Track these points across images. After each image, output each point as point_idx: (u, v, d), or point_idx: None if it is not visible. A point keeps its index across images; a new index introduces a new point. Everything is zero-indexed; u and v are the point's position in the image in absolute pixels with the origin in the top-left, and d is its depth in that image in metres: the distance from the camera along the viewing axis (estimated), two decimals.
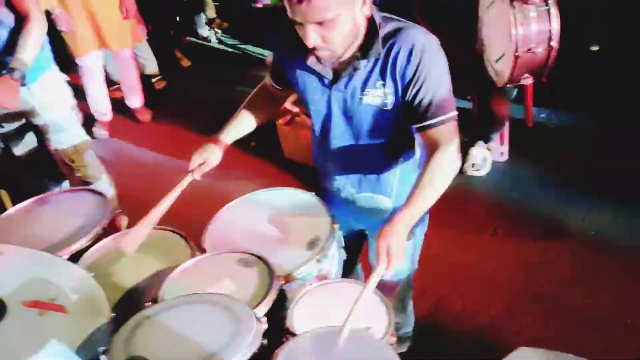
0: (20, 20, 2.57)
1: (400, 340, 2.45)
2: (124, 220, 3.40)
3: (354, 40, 1.67)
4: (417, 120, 1.72)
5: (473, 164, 3.67)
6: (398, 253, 1.55)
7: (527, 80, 3.20)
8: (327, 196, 2.14)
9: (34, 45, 2.56)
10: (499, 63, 3.16)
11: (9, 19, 2.59)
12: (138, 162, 4.21)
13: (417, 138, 1.93)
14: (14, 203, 2.87)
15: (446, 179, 1.68)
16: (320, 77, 1.80)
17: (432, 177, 1.66)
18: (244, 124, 2.06)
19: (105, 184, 3.27)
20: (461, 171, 3.58)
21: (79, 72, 4.31)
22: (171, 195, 1.93)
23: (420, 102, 1.69)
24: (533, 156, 3.78)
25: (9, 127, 2.99)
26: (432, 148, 1.71)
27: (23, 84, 2.54)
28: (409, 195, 1.66)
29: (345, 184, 2.05)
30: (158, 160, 4.16)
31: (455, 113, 1.72)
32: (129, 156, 4.31)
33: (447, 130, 1.70)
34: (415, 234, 2.12)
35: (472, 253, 3.10)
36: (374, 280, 1.54)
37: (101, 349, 1.31)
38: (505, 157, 3.82)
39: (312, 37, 1.58)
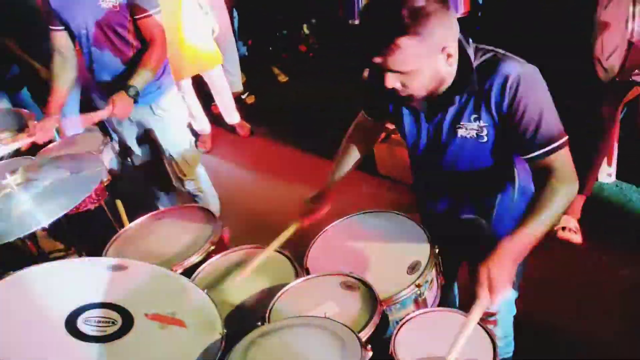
0: (145, 43, 2.80)
1: None
2: (226, 233, 3.57)
3: (440, 85, 1.66)
4: (524, 152, 1.68)
5: None
6: (503, 284, 1.48)
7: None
8: (426, 219, 2.15)
9: (153, 67, 2.78)
10: (611, 58, 2.98)
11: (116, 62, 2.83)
12: (239, 176, 4.39)
13: (518, 166, 1.89)
14: (127, 213, 3.13)
15: (560, 207, 1.59)
16: (414, 110, 1.81)
17: (545, 205, 1.57)
18: (347, 162, 2.11)
19: (212, 197, 3.45)
20: None
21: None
22: (276, 243, 2.01)
23: (523, 134, 1.63)
24: None
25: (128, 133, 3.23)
26: (544, 175, 1.64)
27: (136, 101, 2.76)
28: (520, 223, 1.59)
29: (445, 208, 2.05)
30: (258, 175, 4.32)
31: (565, 139, 1.65)
32: (231, 170, 4.50)
33: (559, 158, 1.64)
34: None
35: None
36: (477, 312, 1.51)
37: None
38: (613, 178, 3.63)
39: (390, 82, 1.57)
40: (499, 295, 1.49)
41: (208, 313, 1.66)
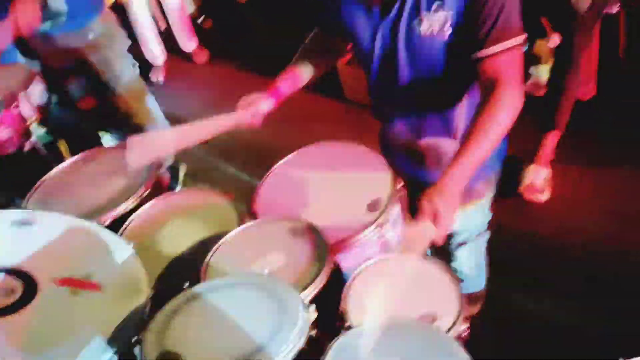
0: None
1: (470, 299, 2.23)
2: (182, 169, 3.31)
3: None
4: (475, 48, 1.46)
5: None
6: (447, 215, 1.30)
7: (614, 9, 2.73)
8: (387, 145, 1.93)
9: None
10: None
11: None
12: (197, 108, 4.06)
13: None
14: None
15: (505, 125, 1.42)
16: (367, 8, 1.58)
17: (489, 124, 1.40)
18: (300, 69, 1.83)
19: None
20: None
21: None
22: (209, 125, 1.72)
23: (483, 23, 1.42)
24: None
25: None
26: (490, 85, 1.44)
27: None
28: (460, 147, 1.41)
29: (404, 129, 1.82)
30: (218, 107, 3.98)
31: (523, 39, 1.45)
32: (187, 102, 4.17)
33: (510, 60, 1.43)
34: (483, 197, 1.89)
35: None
36: (420, 246, 1.33)
37: (134, 339, 1.17)
38: None
39: None
40: (445, 228, 1.32)
41: (132, 272, 1.43)
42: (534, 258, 2.50)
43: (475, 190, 1.83)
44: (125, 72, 2.90)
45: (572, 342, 2.15)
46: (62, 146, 3.09)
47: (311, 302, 1.34)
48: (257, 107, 1.73)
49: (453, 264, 2.08)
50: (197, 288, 1.31)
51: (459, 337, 1.31)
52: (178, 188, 3.15)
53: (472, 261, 2.10)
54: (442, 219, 1.30)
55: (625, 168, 2.82)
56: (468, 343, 1.34)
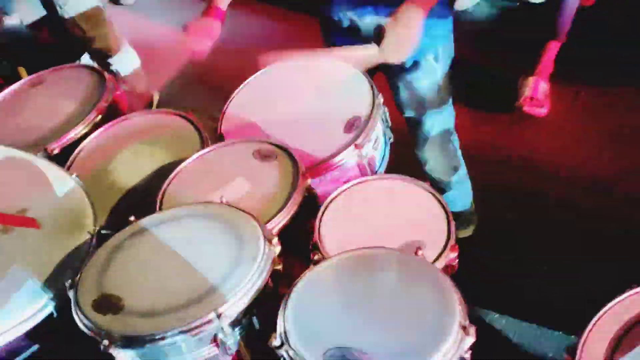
0: None
1: (459, 221, 2.04)
2: (155, 95, 3.08)
3: None
4: None
5: None
6: (408, 38, 1.40)
7: None
8: (330, 31, 1.75)
9: None
10: None
11: None
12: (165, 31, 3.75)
13: None
14: None
15: None
16: None
17: None
18: None
19: (127, 57, 2.90)
20: None
21: None
22: None
23: None
24: None
25: None
26: None
27: None
28: None
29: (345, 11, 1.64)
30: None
31: None
32: (155, 21, 3.84)
33: None
34: (438, 54, 1.72)
35: None
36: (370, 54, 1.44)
37: (68, 282, 1.00)
38: None
39: None
40: (406, 51, 1.43)
41: (75, 207, 1.25)
42: (527, 179, 2.33)
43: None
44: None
45: (566, 268, 2.02)
46: (22, 73, 2.86)
47: (281, 233, 1.19)
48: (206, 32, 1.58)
49: (426, 169, 1.91)
50: (144, 221, 1.14)
51: (447, 267, 1.15)
52: None
53: (442, 161, 1.91)
54: (404, 42, 1.40)
55: (626, 84, 2.60)
56: (457, 273, 1.19)
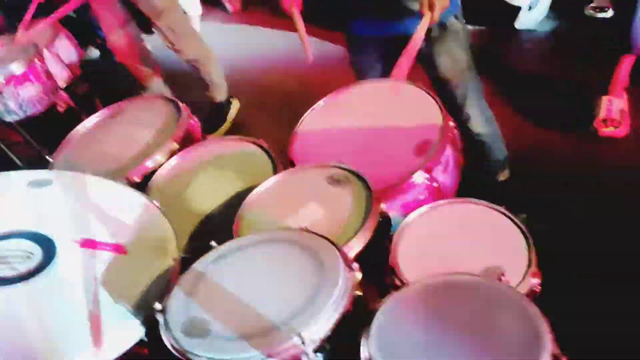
0: None
1: (502, 167, 2.18)
2: (234, 105, 3.12)
3: None
4: None
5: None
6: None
7: None
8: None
9: None
10: None
11: None
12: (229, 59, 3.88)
13: None
14: None
15: None
16: None
17: None
18: None
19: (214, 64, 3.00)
20: None
21: None
22: None
23: None
24: None
25: None
26: None
27: None
28: None
29: None
30: (250, 58, 3.77)
31: None
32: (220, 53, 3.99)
33: None
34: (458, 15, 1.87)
35: None
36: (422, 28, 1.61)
37: (158, 306, 1.05)
38: None
39: None
40: (439, 9, 1.60)
41: (158, 232, 1.31)
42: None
43: None
44: None
45: None
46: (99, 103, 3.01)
47: (356, 258, 1.20)
48: None
49: (471, 128, 2.00)
50: (225, 246, 1.17)
51: (529, 293, 1.12)
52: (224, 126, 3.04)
53: (481, 116, 2.01)
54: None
55: None
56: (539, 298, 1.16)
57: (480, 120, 2.01)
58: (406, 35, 1.70)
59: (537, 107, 2.60)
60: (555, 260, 1.50)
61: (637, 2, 2.33)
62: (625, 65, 2.43)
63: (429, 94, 1.65)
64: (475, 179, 1.88)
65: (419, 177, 1.47)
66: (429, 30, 1.70)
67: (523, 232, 1.24)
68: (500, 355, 0.87)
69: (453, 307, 0.96)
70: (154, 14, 2.72)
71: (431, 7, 1.61)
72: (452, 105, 1.89)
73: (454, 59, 1.88)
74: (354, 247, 1.22)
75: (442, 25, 1.80)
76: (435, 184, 1.51)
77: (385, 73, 1.81)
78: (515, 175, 2.20)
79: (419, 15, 1.65)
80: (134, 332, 1.11)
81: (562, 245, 1.84)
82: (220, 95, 3.03)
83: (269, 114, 3.03)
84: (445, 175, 1.56)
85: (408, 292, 1.04)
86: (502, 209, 1.31)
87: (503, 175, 2.21)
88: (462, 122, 1.95)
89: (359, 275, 1.06)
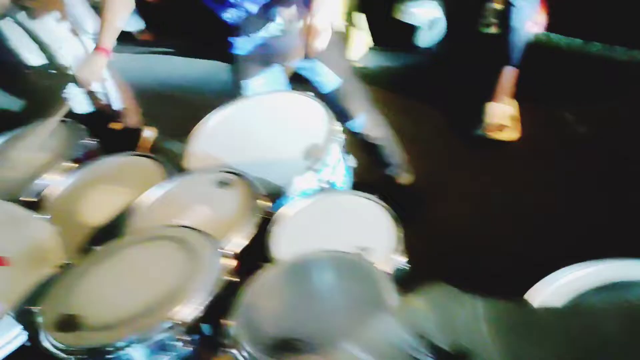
0: None
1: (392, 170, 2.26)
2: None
3: None
4: None
5: None
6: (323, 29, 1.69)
7: None
8: None
9: None
10: None
11: None
12: None
13: None
14: None
15: None
16: None
17: None
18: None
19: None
20: None
21: None
22: None
23: None
24: None
25: None
26: None
27: None
28: None
29: None
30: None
31: None
32: None
33: None
34: None
35: None
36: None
37: (29, 307, 1.07)
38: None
39: None
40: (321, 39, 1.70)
41: (45, 244, 1.32)
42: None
43: None
44: None
45: None
46: None
47: (243, 252, 1.26)
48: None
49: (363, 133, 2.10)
50: (104, 248, 1.21)
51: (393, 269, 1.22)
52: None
53: (371, 120, 2.10)
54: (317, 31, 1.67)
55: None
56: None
57: (370, 124, 2.10)
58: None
59: (432, 115, 2.77)
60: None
61: (511, 22, 2.58)
62: (507, 75, 2.63)
63: (315, 100, 1.75)
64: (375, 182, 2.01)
65: (307, 179, 1.56)
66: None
67: (392, 217, 1.34)
68: (351, 317, 0.94)
69: (310, 280, 1.04)
70: None
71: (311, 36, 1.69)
72: (340, 112, 1.97)
73: (337, 67, 1.97)
74: (237, 242, 1.28)
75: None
76: (324, 185, 1.60)
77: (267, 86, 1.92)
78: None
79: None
80: (17, 337, 1.12)
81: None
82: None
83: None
84: (333, 177, 1.65)
85: (273, 270, 1.11)
86: (374, 197, 1.40)
87: (404, 179, 2.31)
88: (351, 127, 2.05)
89: (232, 263, 1.12)
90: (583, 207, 2.19)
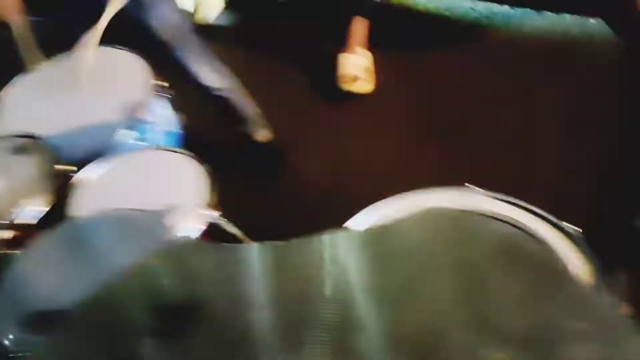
0: None
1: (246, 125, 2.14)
2: None
3: None
4: None
5: None
6: None
7: None
8: None
9: None
10: None
11: None
12: None
13: None
14: None
15: None
16: None
17: None
18: None
19: None
20: None
21: None
22: None
23: None
24: None
25: None
26: None
27: None
28: None
29: None
30: None
31: None
32: None
33: None
34: None
35: None
36: None
37: None
38: None
39: None
40: None
41: None
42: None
43: None
44: None
45: None
46: None
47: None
48: None
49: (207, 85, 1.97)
50: None
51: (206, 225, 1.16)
52: None
53: (213, 72, 1.99)
54: None
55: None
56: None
57: (214, 76, 1.99)
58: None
59: (289, 70, 2.70)
60: None
61: None
62: (359, 25, 2.59)
63: (135, 54, 1.63)
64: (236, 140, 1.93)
65: (125, 137, 1.45)
66: None
67: (207, 173, 1.28)
68: None
69: (91, 244, 0.96)
70: None
71: None
72: (178, 67, 1.87)
73: (167, 20, 1.85)
74: (31, 210, 1.19)
75: None
76: (143, 143, 1.50)
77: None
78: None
79: None
80: None
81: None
82: None
83: None
84: (155, 134, 1.55)
85: (47, 239, 1.01)
86: (188, 153, 1.33)
87: (262, 136, 2.20)
88: (197, 82, 1.94)
89: (7, 234, 1.00)
90: (424, 154, 2.25)
